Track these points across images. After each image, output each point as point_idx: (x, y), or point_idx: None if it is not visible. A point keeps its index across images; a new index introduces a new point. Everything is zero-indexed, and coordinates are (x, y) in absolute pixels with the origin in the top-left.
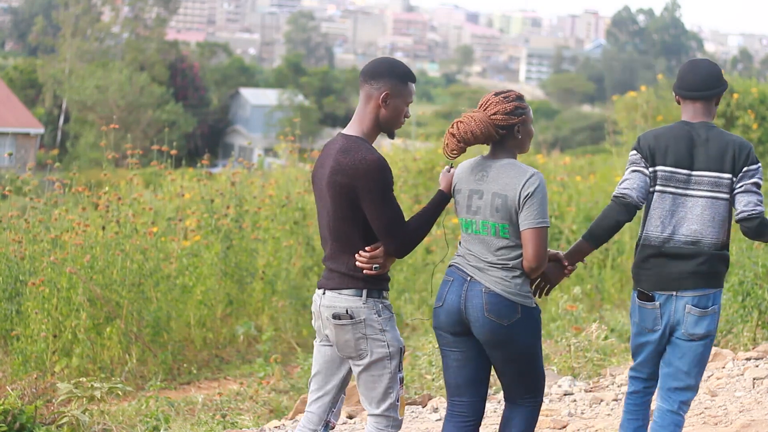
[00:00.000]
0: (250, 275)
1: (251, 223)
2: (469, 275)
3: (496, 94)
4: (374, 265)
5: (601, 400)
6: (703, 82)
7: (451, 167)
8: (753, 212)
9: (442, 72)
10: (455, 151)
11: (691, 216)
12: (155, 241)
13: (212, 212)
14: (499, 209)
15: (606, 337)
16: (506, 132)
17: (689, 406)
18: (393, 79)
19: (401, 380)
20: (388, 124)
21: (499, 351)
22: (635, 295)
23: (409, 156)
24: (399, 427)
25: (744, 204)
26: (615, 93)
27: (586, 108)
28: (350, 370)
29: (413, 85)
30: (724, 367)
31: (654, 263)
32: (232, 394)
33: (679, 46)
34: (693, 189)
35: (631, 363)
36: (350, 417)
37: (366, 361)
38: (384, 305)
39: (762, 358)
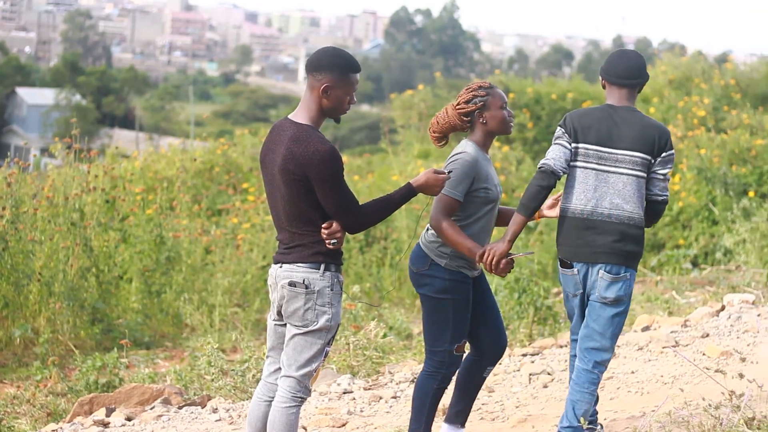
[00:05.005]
0: (26, 277)
1: (28, 224)
2: None
3: (466, 87)
4: (332, 241)
5: (381, 398)
6: (630, 72)
7: (450, 173)
8: (666, 197)
9: (221, 71)
10: (435, 141)
11: (612, 191)
12: None
13: None
14: None
15: (384, 335)
16: (470, 119)
17: (605, 367)
18: (334, 71)
19: (326, 354)
20: (331, 112)
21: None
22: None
23: (188, 156)
24: (308, 394)
25: (660, 188)
26: (393, 93)
27: (364, 107)
28: None
29: (356, 75)
30: (500, 363)
31: (576, 234)
32: (8, 398)
33: (456, 47)
34: (615, 166)
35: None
36: (129, 419)
37: (306, 330)
38: (338, 279)
39: (537, 354)
